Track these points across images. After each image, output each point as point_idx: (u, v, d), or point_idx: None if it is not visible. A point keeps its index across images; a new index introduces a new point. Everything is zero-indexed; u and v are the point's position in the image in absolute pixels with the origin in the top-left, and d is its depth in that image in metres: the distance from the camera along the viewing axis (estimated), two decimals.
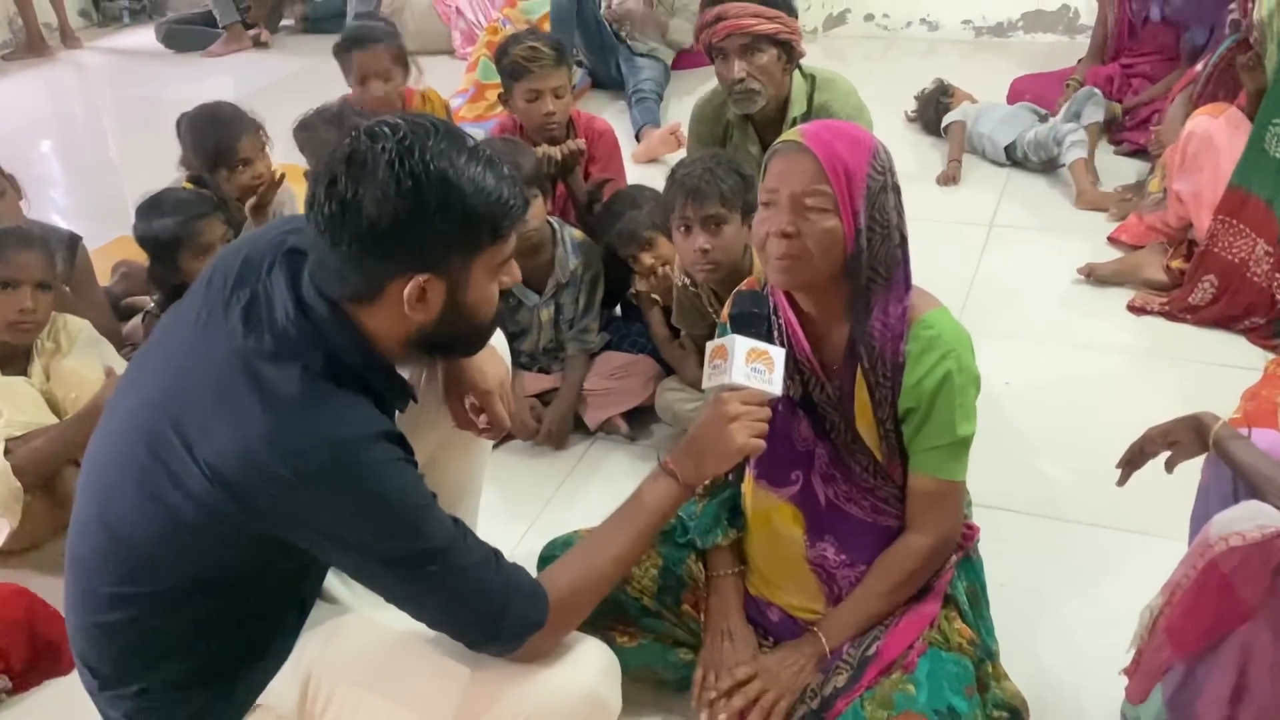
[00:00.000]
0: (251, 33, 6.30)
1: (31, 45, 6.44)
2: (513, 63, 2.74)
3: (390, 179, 1.21)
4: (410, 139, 1.23)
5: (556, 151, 2.70)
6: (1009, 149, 3.84)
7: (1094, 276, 3.05)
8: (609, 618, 1.73)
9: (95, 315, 2.52)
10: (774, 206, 1.50)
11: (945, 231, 3.41)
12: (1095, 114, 3.71)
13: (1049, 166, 3.77)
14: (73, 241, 2.66)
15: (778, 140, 1.56)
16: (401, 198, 1.22)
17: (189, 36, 6.30)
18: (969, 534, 1.72)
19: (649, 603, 1.75)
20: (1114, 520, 2.16)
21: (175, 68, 6.09)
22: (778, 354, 1.51)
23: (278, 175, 2.68)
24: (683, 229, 2.20)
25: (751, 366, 1.48)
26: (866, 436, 1.60)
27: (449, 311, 1.32)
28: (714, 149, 2.56)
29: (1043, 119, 3.85)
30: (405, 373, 1.45)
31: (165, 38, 6.35)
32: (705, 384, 1.53)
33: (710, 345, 1.53)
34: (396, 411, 1.43)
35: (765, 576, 1.76)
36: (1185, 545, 1.63)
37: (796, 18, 2.54)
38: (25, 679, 1.98)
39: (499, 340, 1.77)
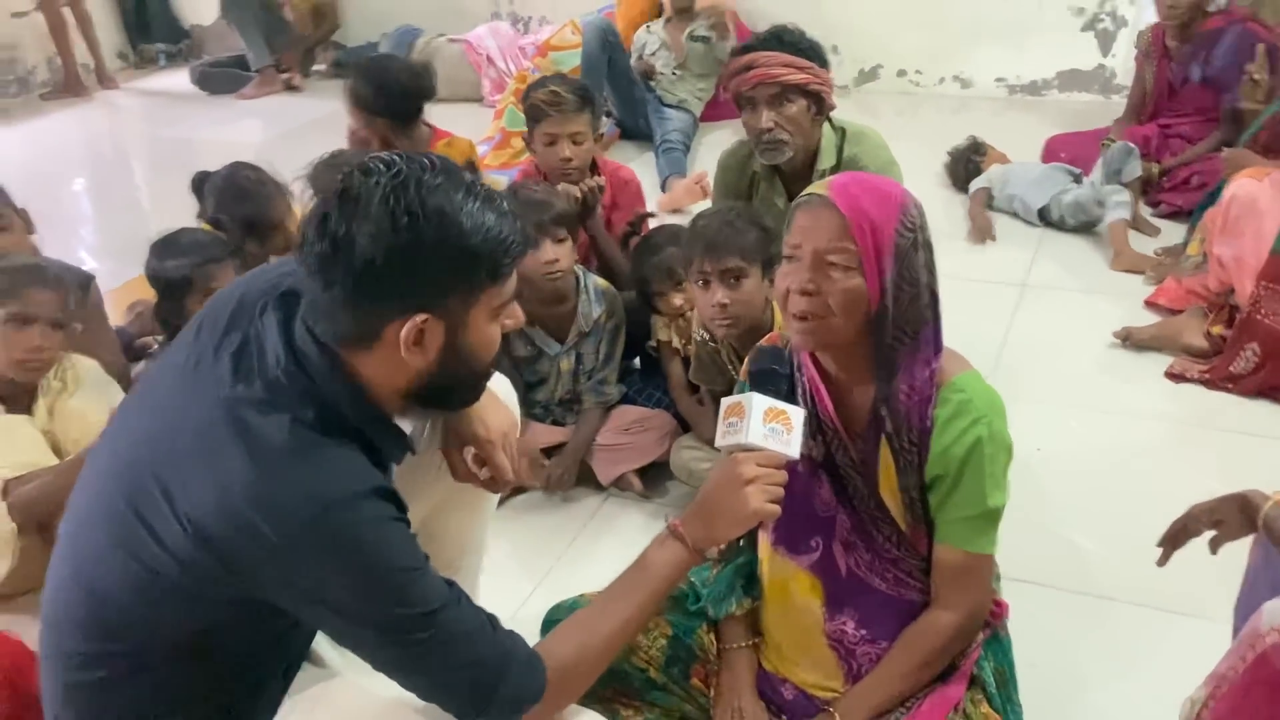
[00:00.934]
0: (283, 76, 6.37)
1: (69, 85, 6.55)
2: (533, 105, 2.73)
3: (385, 215, 1.16)
4: (405, 174, 1.18)
5: (576, 190, 2.66)
6: (1042, 211, 3.77)
7: (1131, 340, 2.95)
8: (612, 689, 1.66)
9: (105, 355, 2.47)
10: (796, 262, 1.44)
11: (976, 290, 3.34)
12: (1135, 170, 3.63)
13: (1086, 228, 3.69)
14: (85, 280, 2.63)
15: (804, 192, 1.49)
16: (396, 234, 1.16)
17: (222, 79, 6.38)
18: (997, 611, 1.63)
19: (655, 674, 1.66)
20: (1152, 598, 2.05)
21: (208, 110, 6.15)
22: (797, 414, 1.43)
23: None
24: (700, 282, 2.14)
25: (769, 427, 1.41)
26: (890, 504, 1.52)
27: (448, 355, 1.25)
28: (736, 201, 2.51)
29: (1076, 179, 3.78)
30: (406, 425, 1.38)
31: (199, 80, 6.43)
32: (719, 442, 1.45)
33: (726, 402, 1.45)
34: (394, 465, 1.37)
35: (780, 650, 1.66)
36: (1229, 628, 1.54)
37: (828, 69, 2.48)
38: None
39: (506, 390, 1.71)
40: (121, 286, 3.44)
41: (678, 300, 2.44)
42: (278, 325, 1.26)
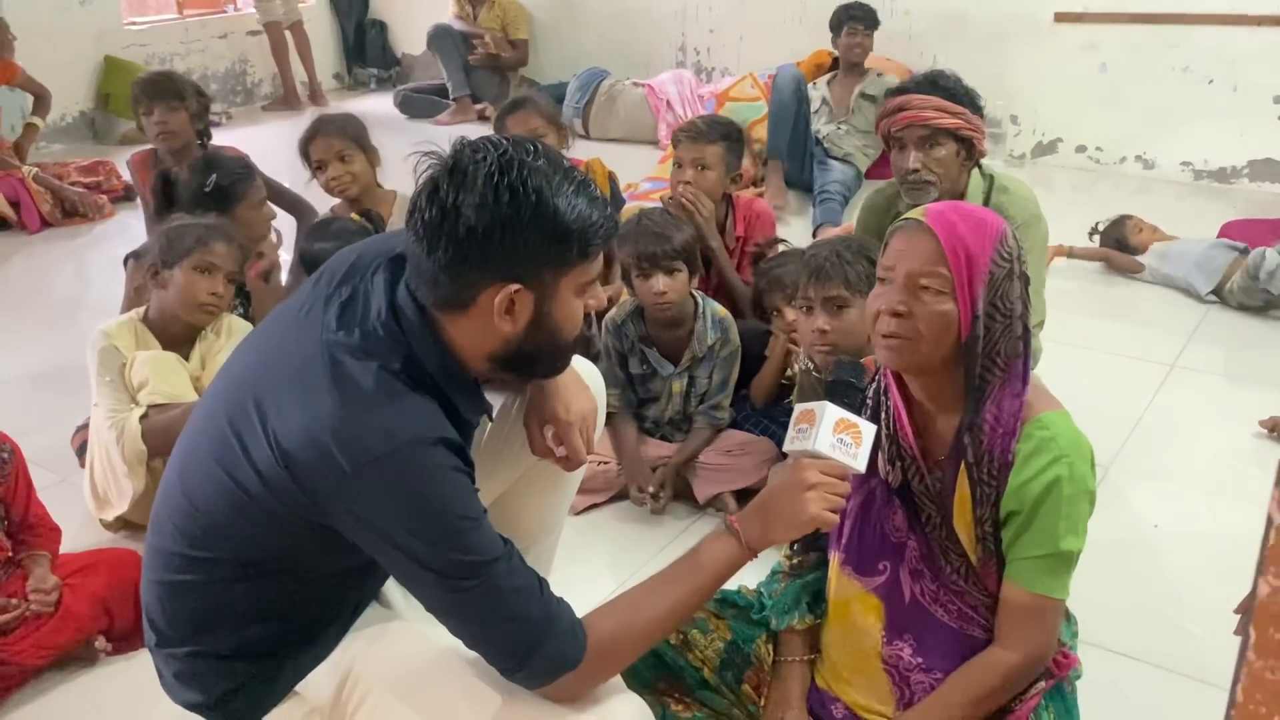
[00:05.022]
0: (478, 106, 6.74)
1: (287, 100, 7.17)
2: (675, 132, 2.92)
3: (489, 189, 1.26)
4: (511, 154, 1.29)
5: (684, 199, 2.79)
6: (1216, 290, 3.63)
7: (1278, 431, 2.79)
8: (665, 682, 1.68)
9: None
10: (889, 284, 1.46)
11: (1119, 365, 3.24)
12: None
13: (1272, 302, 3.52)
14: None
15: (901, 217, 1.51)
16: (498, 207, 1.26)
17: (421, 104, 6.81)
18: (1064, 662, 1.57)
19: (709, 675, 1.68)
20: None
21: (404, 132, 6.55)
22: (868, 429, 1.44)
23: None
24: (805, 309, 2.18)
25: (838, 437, 1.42)
26: (963, 536, 1.50)
27: (534, 325, 1.34)
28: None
29: (1243, 252, 3.61)
30: (496, 400, 1.47)
31: (400, 104, 6.89)
32: (787, 446, 1.47)
33: (799, 408, 1.47)
34: (481, 434, 1.45)
35: (835, 669, 1.66)
36: None
37: (982, 116, 2.47)
38: (127, 642, 2.09)
39: (595, 378, 1.78)
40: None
41: (791, 315, 2.48)
42: (384, 285, 1.38)
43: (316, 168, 3.03)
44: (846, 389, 1.51)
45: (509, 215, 1.27)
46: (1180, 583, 2.26)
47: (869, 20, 4.98)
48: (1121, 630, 2.05)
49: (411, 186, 1.35)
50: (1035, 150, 5.53)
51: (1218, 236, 3.97)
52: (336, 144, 3.01)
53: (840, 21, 5.00)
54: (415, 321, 1.34)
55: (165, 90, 3.41)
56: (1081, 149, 5.44)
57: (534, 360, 1.42)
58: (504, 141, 1.31)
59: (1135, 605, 2.15)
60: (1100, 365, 3.24)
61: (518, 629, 1.32)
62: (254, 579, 1.39)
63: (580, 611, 1.37)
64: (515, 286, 1.30)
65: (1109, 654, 2.01)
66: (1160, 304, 3.70)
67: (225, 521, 1.35)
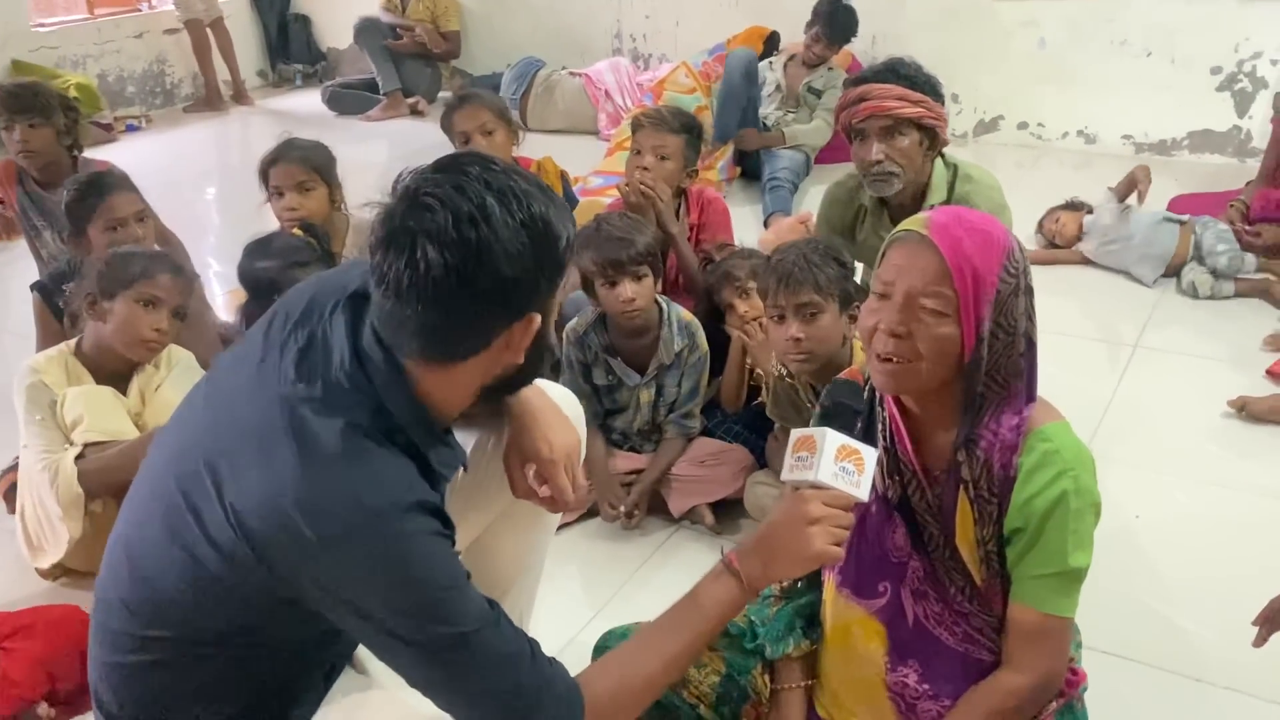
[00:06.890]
0: (410, 100, 6.55)
1: (209, 100, 6.91)
2: (635, 119, 2.89)
3: (515, 235, 1.16)
4: (502, 184, 1.18)
5: (639, 186, 2.74)
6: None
7: (1246, 411, 2.79)
8: None
9: (203, 350, 2.54)
10: (886, 300, 1.37)
11: (1083, 349, 3.22)
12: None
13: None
14: (192, 278, 2.72)
15: (901, 226, 1.42)
16: (527, 249, 1.17)
17: (351, 100, 6.60)
18: (1073, 679, 1.52)
19: (705, 712, 1.61)
20: (1249, 685, 1.91)
21: (335, 130, 6.32)
22: (870, 455, 1.36)
23: None
24: (776, 317, 2.11)
25: (840, 465, 1.34)
26: (965, 555, 1.44)
27: (533, 346, 1.27)
28: (839, 234, 2.48)
29: (1182, 223, 3.63)
30: (469, 439, 1.37)
31: (329, 100, 6.67)
32: (785, 475, 1.38)
33: (796, 434, 1.38)
34: (454, 478, 1.35)
35: (836, 697, 1.59)
36: None
37: (943, 104, 2.42)
38: (72, 706, 1.95)
39: (575, 411, 1.68)
40: (238, 288, 3.55)
41: (743, 308, 2.43)
42: (345, 326, 1.26)
43: (274, 193, 2.82)
44: (845, 412, 1.44)
45: (539, 254, 1.18)
46: (1165, 575, 2.24)
47: (834, 35, 4.80)
48: (1112, 629, 2.01)
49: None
50: (977, 129, 5.53)
51: (1166, 210, 3.97)
52: (299, 173, 2.79)
53: (813, 20, 4.85)
54: (384, 370, 1.23)
55: (28, 106, 3.07)
56: (1023, 126, 5.44)
57: (515, 381, 1.34)
58: (488, 175, 1.18)
59: (1123, 601, 2.11)
60: (1064, 349, 3.19)
61: (510, 700, 1.23)
62: (213, 657, 1.27)
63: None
64: (535, 316, 1.23)
65: (1101, 655, 1.96)
66: (1116, 283, 3.69)
67: (180, 598, 1.23)
